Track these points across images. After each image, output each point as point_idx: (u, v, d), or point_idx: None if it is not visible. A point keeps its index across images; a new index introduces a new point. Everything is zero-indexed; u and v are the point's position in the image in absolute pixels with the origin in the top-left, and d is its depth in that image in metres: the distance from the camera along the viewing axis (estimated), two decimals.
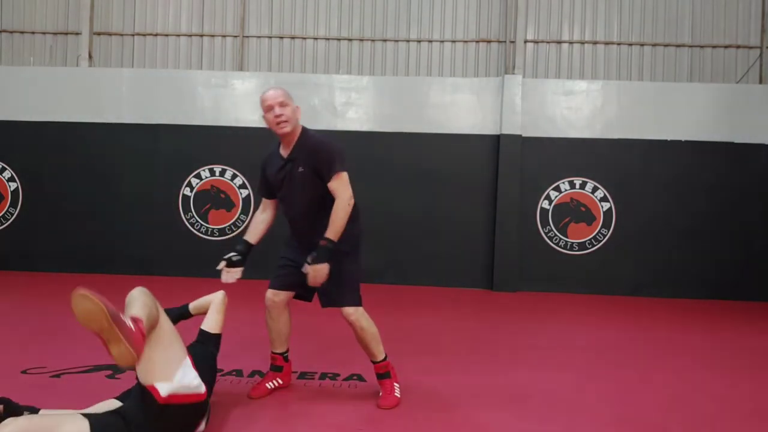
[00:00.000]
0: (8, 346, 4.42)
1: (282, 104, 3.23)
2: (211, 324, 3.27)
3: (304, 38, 8.77)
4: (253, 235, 3.58)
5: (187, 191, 8.17)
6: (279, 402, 3.41)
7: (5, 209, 8.24)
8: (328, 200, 3.21)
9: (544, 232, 7.96)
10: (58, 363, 3.97)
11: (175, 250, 8.11)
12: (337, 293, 3.31)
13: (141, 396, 2.56)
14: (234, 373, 3.93)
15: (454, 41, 8.65)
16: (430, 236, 7.87)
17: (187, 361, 2.66)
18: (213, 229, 8.16)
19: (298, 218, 3.36)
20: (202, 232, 8.16)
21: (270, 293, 3.50)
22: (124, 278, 7.77)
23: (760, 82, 8.32)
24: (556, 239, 7.95)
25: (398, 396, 3.44)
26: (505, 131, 7.88)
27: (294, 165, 3.27)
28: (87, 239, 8.11)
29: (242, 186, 8.15)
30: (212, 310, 3.32)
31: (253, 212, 8.10)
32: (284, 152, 3.33)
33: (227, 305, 3.39)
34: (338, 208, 3.16)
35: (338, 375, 3.93)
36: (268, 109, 3.23)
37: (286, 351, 3.62)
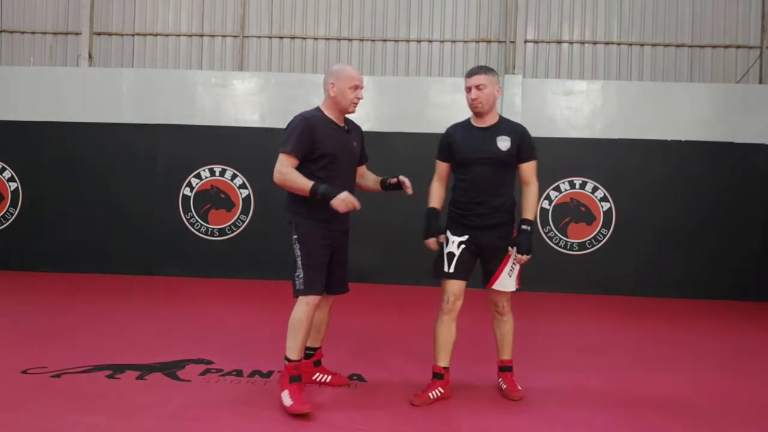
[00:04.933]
0: (8, 346, 4.42)
1: (361, 88, 3.51)
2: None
3: (304, 38, 8.77)
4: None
5: (187, 191, 8.17)
6: (279, 402, 3.41)
7: (5, 209, 8.24)
8: None
9: (544, 232, 7.95)
10: (58, 363, 3.97)
11: (175, 250, 8.11)
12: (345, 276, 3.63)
13: None
14: (234, 373, 3.93)
15: (454, 41, 8.65)
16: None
17: None
18: (213, 229, 8.16)
19: (342, 188, 3.30)
20: (202, 232, 8.16)
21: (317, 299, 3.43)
22: (124, 278, 7.77)
23: (760, 82, 8.32)
24: (556, 239, 7.95)
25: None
26: None
27: (351, 137, 3.54)
28: (87, 239, 8.10)
29: (242, 186, 8.15)
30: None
31: (254, 212, 8.10)
32: (338, 121, 3.49)
33: None
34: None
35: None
36: (356, 87, 3.45)
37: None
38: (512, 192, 3.64)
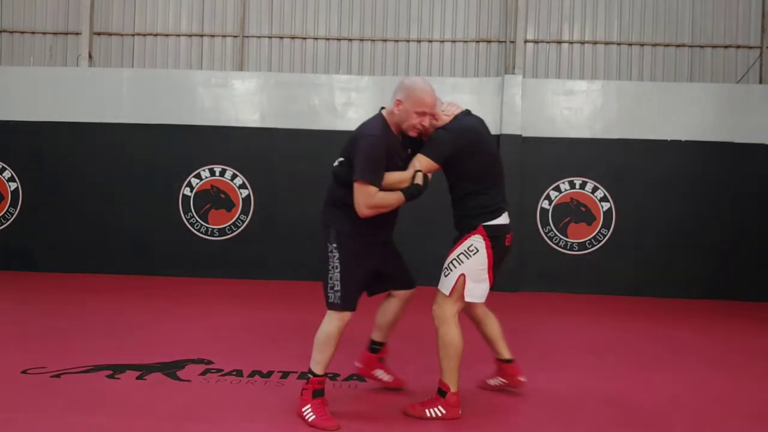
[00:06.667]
0: (8, 346, 4.42)
1: (430, 116, 3.24)
2: None
3: (304, 38, 8.77)
4: None
5: (187, 191, 8.17)
6: (279, 402, 3.41)
7: (5, 209, 8.24)
8: None
9: (544, 232, 7.95)
10: (58, 363, 3.98)
11: (175, 250, 8.11)
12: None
13: None
14: (234, 373, 3.93)
15: (454, 41, 8.65)
16: (431, 236, 7.84)
17: None
18: (213, 229, 8.16)
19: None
20: (202, 232, 8.16)
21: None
22: (124, 278, 7.77)
23: (760, 82, 8.32)
24: (556, 239, 7.95)
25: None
26: (505, 131, 7.88)
27: (403, 147, 3.32)
28: (87, 239, 8.10)
29: (242, 186, 8.15)
30: None
31: (254, 212, 8.11)
32: (396, 133, 3.27)
33: None
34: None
35: (338, 375, 3.93)
36: (422, 114, 3.19)
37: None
38: (465, 196, 3.40)
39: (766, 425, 3.39)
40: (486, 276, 3.32)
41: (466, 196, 3.38)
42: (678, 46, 8.48)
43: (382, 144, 3.10)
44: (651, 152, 7.84)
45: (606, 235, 7.90)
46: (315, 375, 3.20)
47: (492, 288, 3.43)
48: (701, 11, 8.43)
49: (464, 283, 3.29)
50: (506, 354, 3.67)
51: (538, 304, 7.02)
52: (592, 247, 7.92)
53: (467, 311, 3.60)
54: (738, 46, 8.41)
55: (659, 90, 8.00)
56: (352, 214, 3.14)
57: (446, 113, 3.45)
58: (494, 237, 3.31)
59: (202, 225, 8.16)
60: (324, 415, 3.12)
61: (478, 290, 3.32)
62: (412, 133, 3.25)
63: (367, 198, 3.05)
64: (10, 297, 6.51)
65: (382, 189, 3.10)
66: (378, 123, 3.20)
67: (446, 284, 3.33)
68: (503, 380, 3.70)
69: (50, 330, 4.95)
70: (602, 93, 8.00)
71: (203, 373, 3.90)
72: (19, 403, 3.30)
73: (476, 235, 3.32)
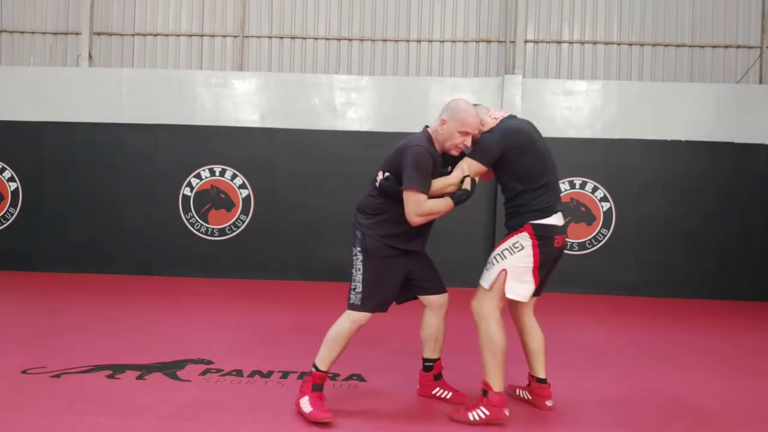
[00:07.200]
0: (8, 346, 4.42)
1: (471, 136, 3.25)
2: None
3: (304, 38, 8.77)
4: None
5: (187, 191, 8.17)
6: (279, 402, 3.42)
7: (5, 209, 8.24)
8: None
9: None
10: (58, 363, 3.98)
11: (175, 250, 8.11)
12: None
13: None
14: (234, 373, 3.94)
15: (454, 41, 8.65)
16: (431, 237, 7.86)
17: None
18: (213, 229, 8.16)
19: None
20: (202, 232, 8.16)
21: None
22: (124, 278, 7.77)
23: (760, 82, 8.32)
24: None
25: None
26: None
27: (444, 164, 3.36)
28: (87, 239, 8.11)
29: (242, 186, 8.15)
30: None
31: (254, 212, 8.11)
32: (439, 150, 3.32)
33: None
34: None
35: (338, 375, 3.93)
36: (465, 133, 3.21)
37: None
38: (515, 196, 3.32)
39: (765, 425, 3.39)
40: (530, 277, 3.25)
41: (516, 195, 3.33)
42: (678, 46, 8.48)
43: (429, 154, 3.18)
44: (651, 152, 7.84)
45: (606, 235, 7.90)
46: (318, 370, 3.24)
47: (537, 292, 3.41)
48: (701, 11, 8.43)
49: (505, 279, 3.23)
50: (542, 373, 3.51)
51: (538, 304, 6.99)
52: (592, 247, 7.92)
53: (514, 318, 3.56)
54: (738, 46, 8.41)
55: (659, 90, 8.00)
56: (383, 223, 3.25)
57: (493, 116, 3.41)
58: (542, 237, 3.23)
59: (202, 225, 8.17)
60: (320, 408, 3.15)
61: (520, 289, 3.25)
62: (455, 152, 3.28)
63: (416, 206, 3.13)
64: (10, 297, 6.52)
65: (429, 196, 3.18)
66: (424, 137, 3.29)
67: (487, 278, 3.30)
68: (529, 397, 3.57)
69: (50, 330, 4.95)
70: (602, 93, 8.00)
71: (203, 373, 3.90)
72: (19, 403, 3.30)
73: (523, 233, 3.25)
